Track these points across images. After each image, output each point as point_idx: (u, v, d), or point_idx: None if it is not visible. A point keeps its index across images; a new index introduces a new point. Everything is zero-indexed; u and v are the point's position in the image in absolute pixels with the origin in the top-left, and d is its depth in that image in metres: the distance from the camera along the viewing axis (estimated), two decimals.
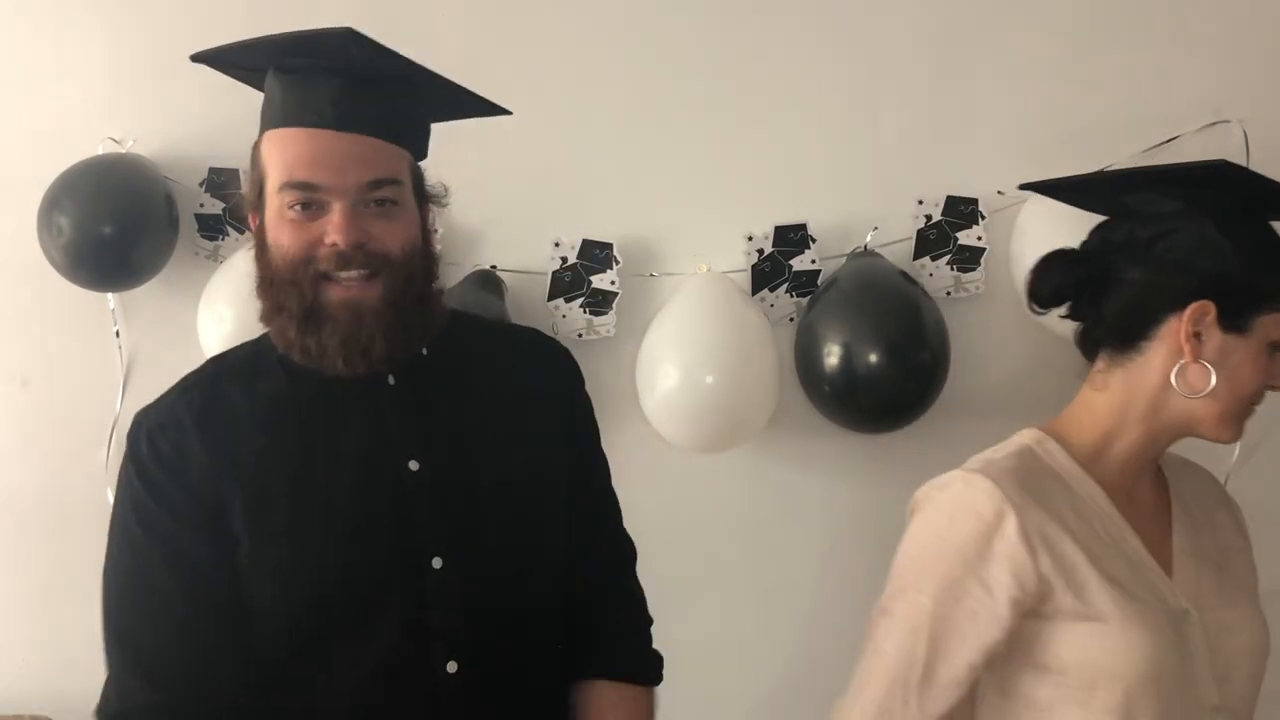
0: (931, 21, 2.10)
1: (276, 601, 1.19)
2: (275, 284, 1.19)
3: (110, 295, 2.14)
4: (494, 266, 2.11)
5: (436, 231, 1.28)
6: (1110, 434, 1.29)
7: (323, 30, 1.19)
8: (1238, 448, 2.04)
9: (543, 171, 2.10)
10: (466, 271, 2.10)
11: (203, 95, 2.15)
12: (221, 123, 2.14)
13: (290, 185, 1.16)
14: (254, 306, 1.92)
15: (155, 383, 2.22)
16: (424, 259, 1.24)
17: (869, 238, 2.05)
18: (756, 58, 2.11)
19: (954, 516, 1.20)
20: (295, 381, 1.23)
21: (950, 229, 2.05)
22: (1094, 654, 1.15)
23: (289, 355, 1.22)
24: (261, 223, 1.21)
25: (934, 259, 2.06)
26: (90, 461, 2.15)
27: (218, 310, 1.95)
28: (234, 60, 1.30)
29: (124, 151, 2.12)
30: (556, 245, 2.09)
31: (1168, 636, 1.16)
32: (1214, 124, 2.03)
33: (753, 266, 2.08)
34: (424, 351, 1.27)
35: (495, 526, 1.23)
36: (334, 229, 1.15)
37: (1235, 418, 1.26)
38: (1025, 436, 1.31)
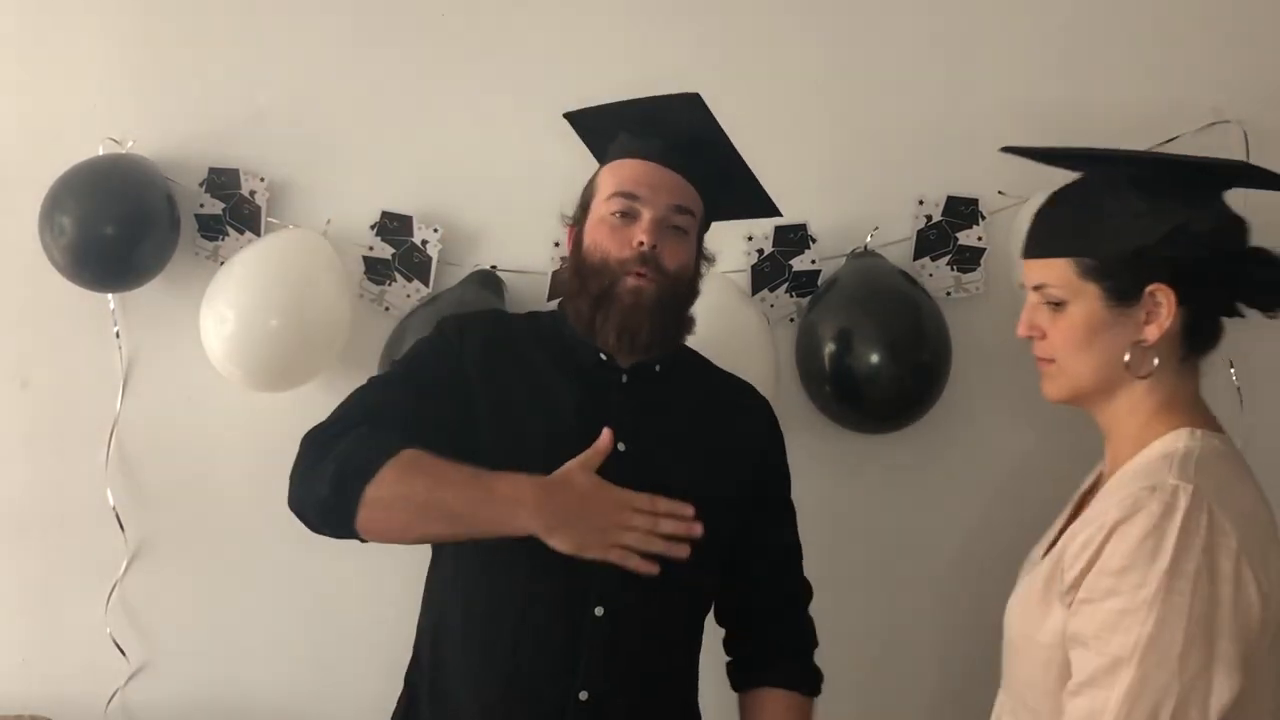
0: (932, 22, 2.10)
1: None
2: (586, 272, 1.47)
3: (110, 295, 2.14)
4: (494, 266, 2.11)
5: (702, 277, 1.55)
6: None
7: (672, 96, 1.49)
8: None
9: (543, 171, 2.10)
10: (466, 271, 2.10)
11: (203, 95, 2.16)
12: (221, 123, 2.15)
13: (618, 195, 1.46)
14: (256, 308, 1.94)
15: (155, 383, 2.25)
16: (689, 287, 1.51)
17: (869, 238, 2.05)
18: (756, 58, 2.11)
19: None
20: (554, 351, 1.51)
21: (950, 229, 2.05)
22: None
23: (577, 330, 1.49)
24: (580, 231, 1.51)
25: (934, 259, 2.06)
26: (90, 461, 2.15)
27: (219, 310, 1.95)
28: (596, 122, 1.59)
29: (124, 151, 2.12)
30: (557, 245, 2.09)
31: None
32: (1214, 124, 2.03)
33: (753, 266, 2.08)
34: (656, 368, 1.52)
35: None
36: (643, 230, 1.44)
37: None
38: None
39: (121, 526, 2.15)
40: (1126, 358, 1.25)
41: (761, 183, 1.58)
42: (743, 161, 1.54)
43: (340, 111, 2.14)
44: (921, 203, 2.06)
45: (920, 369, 1.93)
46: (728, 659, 1.62)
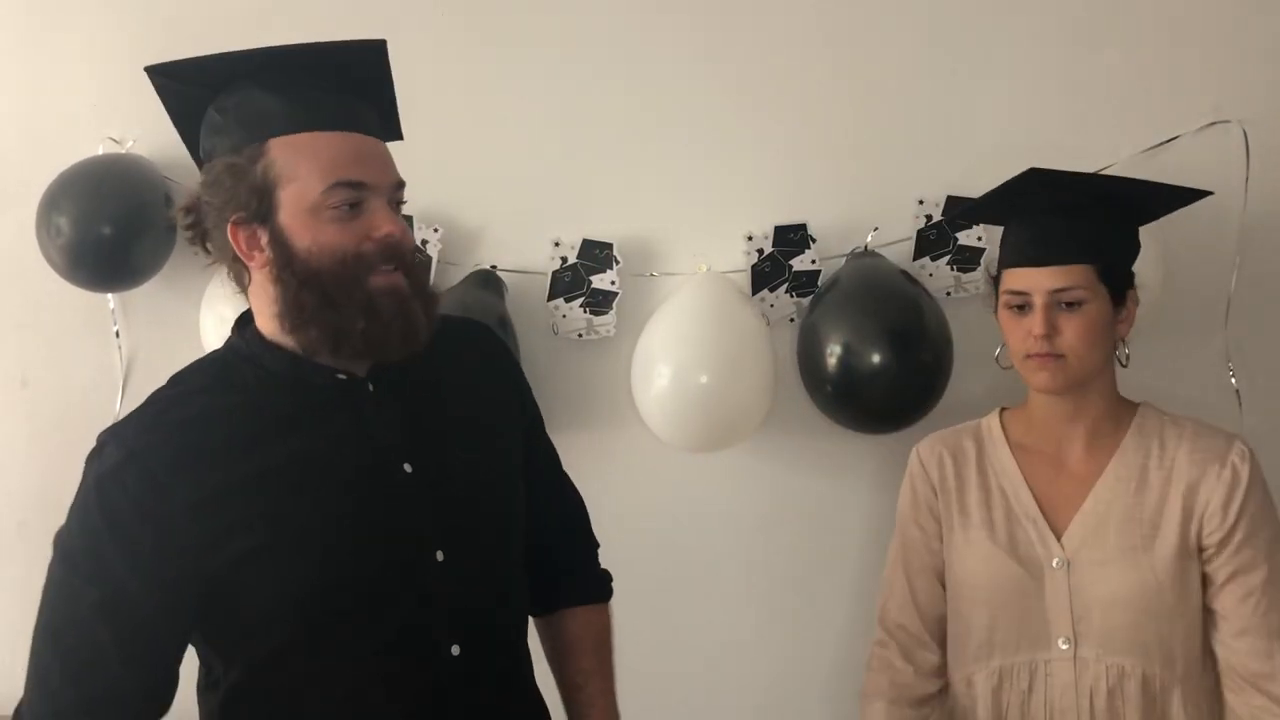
0: (931, 21, 2.10)
1: (279, 603, 1.19)
2: (317, 283, 1.20)
3: (110, 295, 2.14)
4: (494, 266, 2.11)
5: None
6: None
7: (355, 43, 1.29)
8: None
9: (543, 171, 2.10)
10: (466, 271, 2.10)
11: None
12: None
13: (341, 185, 1.20)
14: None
15: (155, 383, 2.23)
16: (423, 268, 1.33)
17: (869, 238, 2.05)
18: (757, 58, 2.11)
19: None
20: (269, 391, 1.24)
21: (950, 229, 2.05)
22: (954, 565, 1.58)
23: (323, 354, 1.24)
24: (274, 231, 1.21)
25: (934, 259, 2.06)
26: None
27: (219, 311, 1.95)
28: (195, 72, 1.30)
29: (124, 151, 2.12)
30: (556, 245, 2.09)
31: (1016, 572, 1.50)
32: (1214, 124, 2.03)
33: (753, 266, 2.08)
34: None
35: (485, 516, 1.31)
36: (385, 220, 1.21)
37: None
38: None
39: None
40: (1126, 351, 1.55)
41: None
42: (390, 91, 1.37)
43: None
44: (921, 203, 2.06)
45: (920, 369, 1.93)
46: None
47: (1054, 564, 1.50)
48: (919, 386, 1.94)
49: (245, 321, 1.33)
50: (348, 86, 1.26)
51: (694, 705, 2.15)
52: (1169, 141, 2.03)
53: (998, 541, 1.53)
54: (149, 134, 2.13)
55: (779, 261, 2.08)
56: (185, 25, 2.16)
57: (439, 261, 2.10)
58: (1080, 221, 1.49)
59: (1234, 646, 1.46)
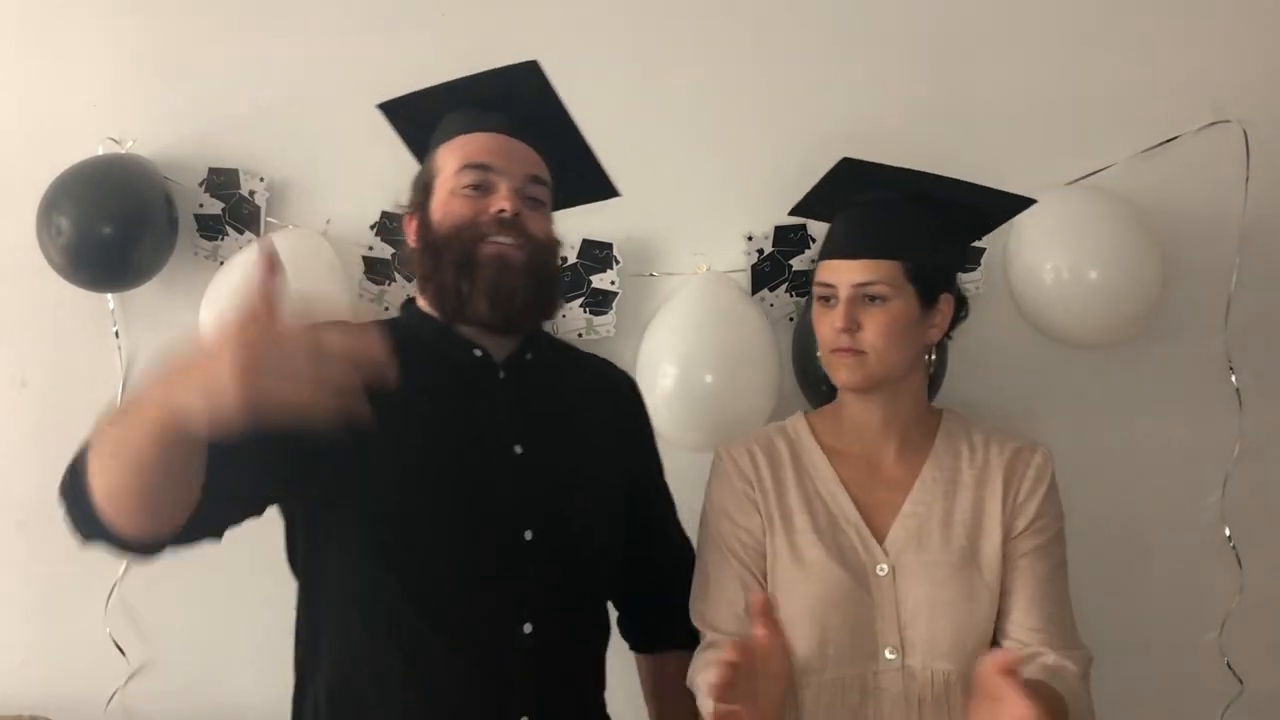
0: (931, 22, 2.10)
1: (381, 550, 1.32)
2: (437, 245, 1.37)
3: (110, 295, 2.14)
4: None
5: (564, 260, 1.51)
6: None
7: (510, 66, 1.41)
8: (1237, 448, 2.05)
9: None
10: None
11: (203, 95, 2.16)
12: (221, 123, 2.15)
13: (468, 167, 1.38)
14: None
15: None
16: (555, 256, 1.44)
17: None
18: (757, 57, 2.11)
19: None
20: (415, 356, 1.30)
21: None
22: (778, 574, 1.46)
23: (439, 317, 1.40)
24: (425, 214, 1.41)
25: None
26: None
27: (219, 311, 1.95)
28: (417, 106, 1.49)
29: (124, 151, 2.12)
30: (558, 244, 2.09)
31: (845, 580, 1.41)
32: (1214, 124, 2.03)
33: (753, 266, 2.08)
34: (528, 355, 1.45)
35: (578, 509, 1.42)
36: (501, 198, 1.37)
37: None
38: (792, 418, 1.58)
39: None
40: (932, 356, 1.51)
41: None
42: (581, 135, 1.49)
43: (340, 111, 2.14)
44: None
45: None
46: (619, 618, 1.63)
47: (879, 571, 1.42)
48: None
49: (409, 302, 1.50)
50: (501, 102, 1.42)
51: None
52: (1169, 141, 2.03)
53: (823, 549, 1.43)
54: (149, 134, 2.13)
55: (779, 261, 2.08)
56: (185, 25, 2.16)
57: None
58: (891, 217, 1.47)
59: (1012, 633, 1.41)
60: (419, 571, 1.32)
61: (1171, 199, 2.02)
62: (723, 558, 1.49)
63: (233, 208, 2.13)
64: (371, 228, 2.11)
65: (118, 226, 2.00)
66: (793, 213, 1.68)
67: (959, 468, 1.48)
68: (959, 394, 2.00)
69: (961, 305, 1.54)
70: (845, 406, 1.53)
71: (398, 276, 2.12)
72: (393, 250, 2.11)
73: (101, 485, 1.10)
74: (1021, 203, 1.55)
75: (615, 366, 1.63)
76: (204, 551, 2.16)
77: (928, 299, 1.46)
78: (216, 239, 2.14)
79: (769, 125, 2.10)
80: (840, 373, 1.46)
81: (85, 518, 1.14)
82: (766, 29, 2.11)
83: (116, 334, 2.16)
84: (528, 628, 1.35)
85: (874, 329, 1.43)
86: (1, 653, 2.20)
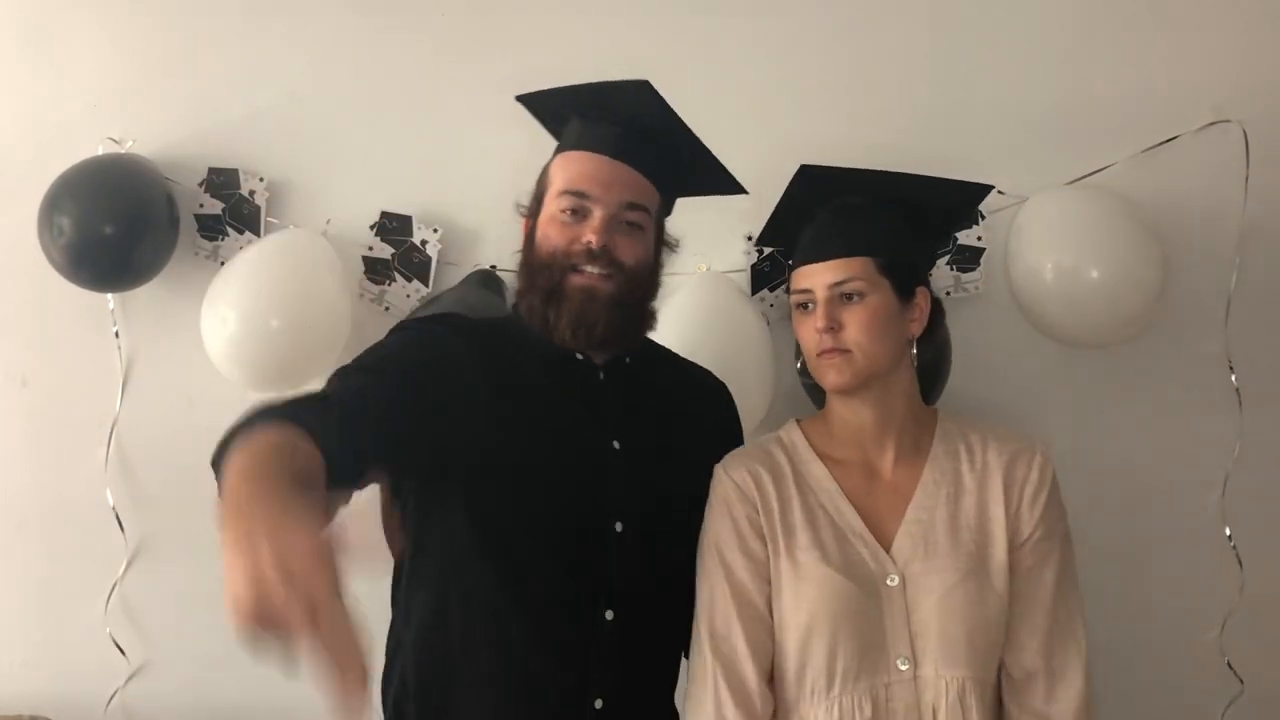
0: (931, 21, 2.10)
1: (473, 526, 1.39)
2: (534, 267, 1.45)
3: (110, 295, 2.14)
4: (494, 266, 2.10)
5: (664, 267, 1.54)
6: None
7: (622, 82, 1.45)
8: (1237, 448, 2.05)
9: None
10: (466, 271, 2.10)
11: (203, 95, 2.16)
12: (221, 123, 2.15)
13: (567, 192, 1.44)
14: (257, 309, 1.95)
15: (155, 383, 2.24)
16: (650, 281, 1.50)
17: None
18: (756, 57, 2.11)
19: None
20: (527, 354, 1.47)
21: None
22: (784, 594, 1.42)
23: (532, 327, 1.46)
24: (534, 224, 1.48)
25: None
26: (90, 461, 2.15)
27: (220, 312, 1.95)
28: (547, 103, 1.55)
29: (124, 151, 2.12)
30: None
31: (855, 594, 1.39)
32: (1214, 124, 2.03)
33: (752, 266, 2.08)
34: (627, 359, 1.52)
35: (668, 504, 1.47)
36: (591, 230, 1.42)
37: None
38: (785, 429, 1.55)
39: (121, 526, 2.15)
40: (914, 350, 1.49)
41: (751, 183, 1.56)
42: (700, 143, 1.51)
43: (340, 111, 2.14)
44: None
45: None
46: None
47: (889, 581, 1.39)
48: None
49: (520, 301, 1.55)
50: (611, 116, 1.46)
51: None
52: (1169, 141, 2.03)
53: (831, 563, 1.40)
54: (149, 134, 2.13)
55: (779, 261, 2.08)
56: (185, 26, 2.16)
57: (439, 261, 2.10)
58: (856, 217, 1.47)
59: (1019, 642, 1.41)
60: (509, 555, 1.40)
61: (1171, 199, 2.02)
62: (731, 597, 1.43)
63: (233, 208, 2.13)
64: (371, 228, 2.12)
65: (118, 226, 2.01)
66: (760, 242, 1.70)
67: (959, 471, 1.47)
68: (960, 394, 2.00)
69: (936, 302, 1.54)
70: (837, 412, 1.50)
71: (398, 276, 2.12)
72: (393, 250, 2.11)
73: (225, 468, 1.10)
74: (979, 191, 1.55)
75: (712, 375, 1.67)
76: (204, 551, 2.16)
77: (904, 292, 1.46)
78: (217, 239, 2.14)
79: (768, 125, 2.10)
80: (829, 375, 1.45)
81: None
82: (765, 29, 2.11)
83: (116, 334, 2.16)
84: (609, 614, 1.41)
85: (855, 325, 1.43)
86: (1, 653, 2.20)
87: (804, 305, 1.47)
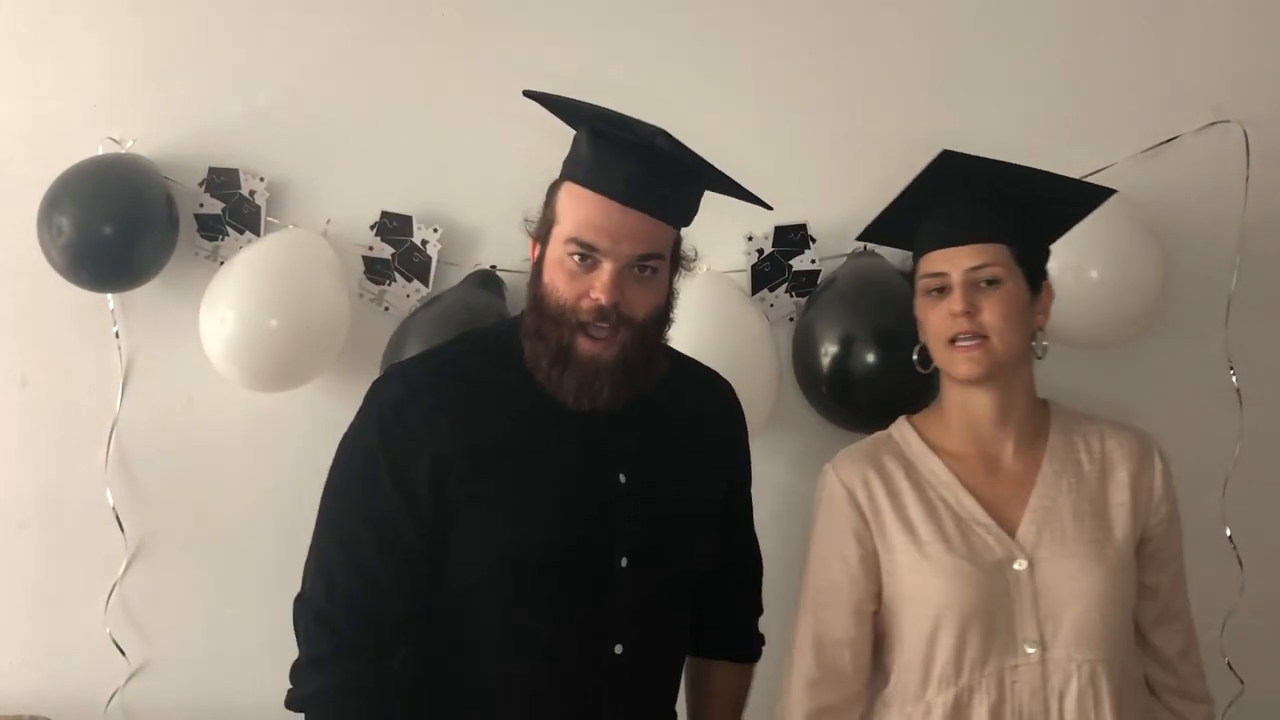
0: (932, 22, 2.10)
1: (478, 570, 1.40)
2: (542, 315, 1.39)
3: (110, 295, 2.14)
4: (494, 266, 2.11)
5: (677, 293, 1.49)
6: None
7: (640, 124, 1.39)
8: (1237, 448, 2.05)
9: (543, 171, 2.09)
10: (466, 271, 2.10)
11: (203, 95, 2.16)
12: (221, 123, 2.15)
13: (575, 241, 1.36)
14: (256, 309, 1.95)
15: (155, 383, 2.24)
16: (659, 321, 1.44)
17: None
18: (756, 58, 2.11)
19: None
20: (529, 379, 1.42)
21: None
22: (906, 587, 1.46)
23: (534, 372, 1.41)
24: (542, 254, 1.42)
25: None
26: (90, 461, 2.15)
27: (219, 312, 1.95)
28: (559, 107, 1.52)
29: (124, 151, 2.12)
30: None
31: (982, 581, 1.41)
32: (1214, 124, 2.03)
33: (753, 266, 2.08)
34: None
35: (674, 536, 1.46)
36: (600, 287, 1.35)
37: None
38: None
39: (121, 526, 2.15)
40: (1045, 342, 1.50)
41: (751, 183, 1.52)
42: (725, 177, 1.46)
43: (340, 111, 2.14)
44: None
45: (920, 369, 1.93)
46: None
47: (1016, 566, 1.42)
48: (914, 387, 1.93)
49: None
50: (627, 155, 1.38)
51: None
52: (1169, 141, 2.03)
53: (956, 552, 1.43)
54: (149, 134, 2.13)
55: (779, 261, 2.08)
56: (185, 26, 2.16)
57: (439, 261, 2.10)
58: (995, 204, 1.47)
59: (1159, 629, 1.52)
60: (517, 594, 1.40)
61: (1171, 199, 2.03)
62: (830, 599, 1.51)
63: (233, 208, 2.13)
64: (371, 228, 2.11)
65: (118, 226, 2.00)
66: (868, 236, 1.68)
67: (1079, 460, 1.50)
68: None
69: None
70: (954, 404, 1.51)
71: (398, 276, 2.12)
72: (393, 250, 2.11)
73: None
74: (1102, 193, 1.54)
75: (718, 375, 1.64)
76: (204, 551, 2.17)
77: (1034, 284, 1.48)
78: (217, 239, 2.14)
79: (769, 125, 2.10)
80: (961, 366, 1.44)
81: None
82: (764, 29, 2.11)
83: (116, 334, 2.16)
84: (618, 649, 1.41)
85: (992, 311, 1.43)
86: (1, 653, 2.20)
87: (938, 290, 1.46)
